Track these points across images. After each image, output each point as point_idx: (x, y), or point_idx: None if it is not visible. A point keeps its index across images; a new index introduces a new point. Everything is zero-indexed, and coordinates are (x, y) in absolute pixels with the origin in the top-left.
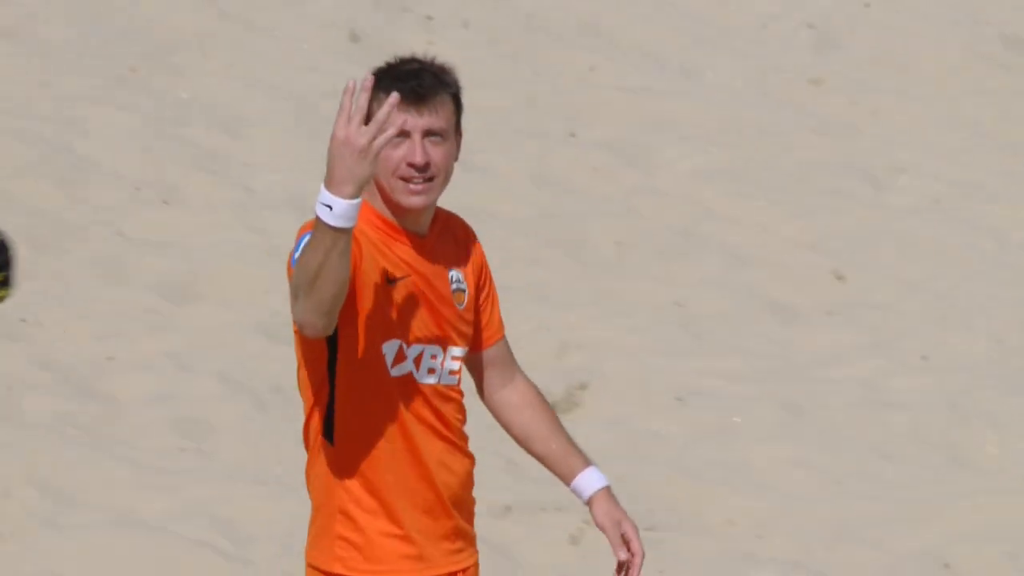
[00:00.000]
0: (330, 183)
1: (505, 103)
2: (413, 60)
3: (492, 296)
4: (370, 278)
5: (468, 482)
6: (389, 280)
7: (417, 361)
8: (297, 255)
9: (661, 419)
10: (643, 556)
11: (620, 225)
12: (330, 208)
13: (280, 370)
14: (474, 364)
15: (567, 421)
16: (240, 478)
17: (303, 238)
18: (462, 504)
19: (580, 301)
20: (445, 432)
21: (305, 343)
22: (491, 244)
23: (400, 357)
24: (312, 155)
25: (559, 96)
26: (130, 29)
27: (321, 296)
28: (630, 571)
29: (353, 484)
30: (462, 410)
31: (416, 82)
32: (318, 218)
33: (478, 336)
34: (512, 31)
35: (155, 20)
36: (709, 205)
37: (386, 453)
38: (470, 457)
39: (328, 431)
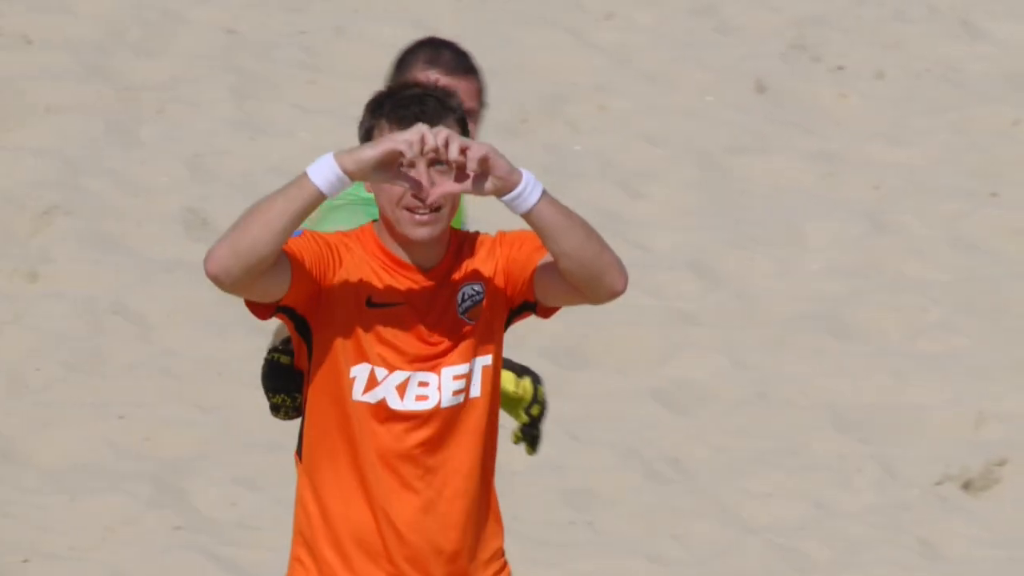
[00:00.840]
0: (344, 155)
1: (920, 160)
2: (415, 85)
3: (512, 245)
4: (348, 298)
5: (459, 534)
6: (370, 304)
7: (401, 389)
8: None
9: None
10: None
11: None
12: (323, 166)
13: (678, 441)
14: (550, 285)
15: (984, 499)
16: (630, 553)
17: None
18: (425, 555)
19: (999, 370)
20: (412, 470)
21: (299, 358)
22: (902, 308)
23: (372, 383)
24: (717, 214)
25: (979, 152)
26: (521, 77)
27: (245, 236)
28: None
29: (311, 506)
30: (489, 437)
31: (419, 108)
32: (305, 172)
33: (522, 280)
34: (930, 82)
35: (547, 68)
36: None
37: (336, 480)
38: (462, 499)
39: (299, 448)
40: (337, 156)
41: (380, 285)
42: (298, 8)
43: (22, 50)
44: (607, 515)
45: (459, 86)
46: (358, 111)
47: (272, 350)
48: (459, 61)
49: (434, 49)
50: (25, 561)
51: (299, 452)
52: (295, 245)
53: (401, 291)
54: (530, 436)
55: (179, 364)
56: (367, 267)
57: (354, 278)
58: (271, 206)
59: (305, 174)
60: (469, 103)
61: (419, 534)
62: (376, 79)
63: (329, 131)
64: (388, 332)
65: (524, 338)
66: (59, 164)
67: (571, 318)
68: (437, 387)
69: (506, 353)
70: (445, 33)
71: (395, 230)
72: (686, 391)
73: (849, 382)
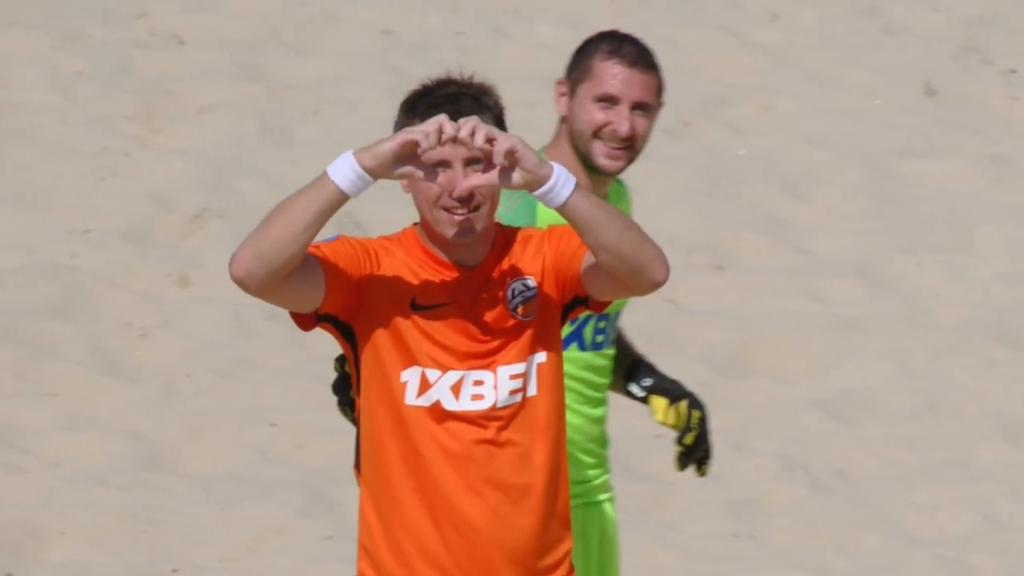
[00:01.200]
0: (363, 152)
1: None
2: (450, 82)
3: (560, 239)
4: (390, 302)
5: (525, 536)
6: (414, 306)
7: (455, 389)
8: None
9: None
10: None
11: None
12: (343, 165)
13: (843, 452)
14: (596, 279)
15: None
16: (794, 567)
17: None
18: (492, 560)
19: None
20: (473, 472)
21: (351, 368)
22: None
23: (425, 385)
24: (883, 218)
25: None
26: (682, 79)
27: (267, 237)
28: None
29: (372, 519)
30: (550, 434)
31: (454, 108)
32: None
33: (571, 274)
34: None
35: (708, 69)
36: None
37: (394, 490)
38: (527, 500)
39: (357, 461)
40: (356, 153)
41: (423, 287)
42: (456, 8)
43: (174, 50)
44: (770, 527)
45: (639, 80)
46: (517, 114)
47: (338, 358)
48: (640, 55)
49: (616, 41)
50: (175, 571)
51: (357, 465)
52: (328, 250)
53: (445, 291)
54: (688, 462)
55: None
56: (408, 269)
57: (395, 281)
58: (293, 206)
59: (325, 174)
60: (647, 98)
61: (485, 538)
62: (535, 80)
63: None
64: (436, 333)
65: (684, 346)
66: (210, 166)
67: (731, 324)
68: (493, 386)
69: (664, 361)
70: None
71: (434, 231)
72: (851, 400)
73: (1020, 391)
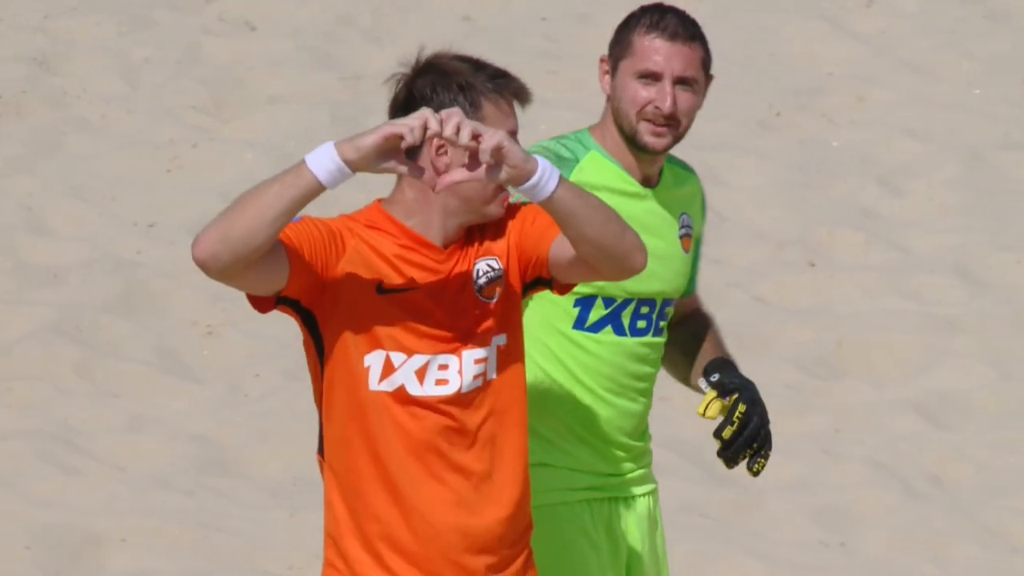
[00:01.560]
0: (344, 143)
1: None
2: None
3: (524, 219)
4: (355, 285)
5: (488, 523)
6: (381, 290)
7: (420, 374)
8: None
9: None
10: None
11: None
12: (322, 155)
13: (938, 457)
14: (567, 264)
15: None
16: None
17: None
18: (457, 546)
19: None
20: (437, 459)
21: (307, 352)
22: None
23: (389, 369)
24: (983, 214)
25: None
26: (774, 68)
27: (237, 222)
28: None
29: (338, 506)
30: (510, 417)
31: (518, 84)
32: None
33: (536, 257)
34: None
35: (802, 58)
36: None
37: (358, 477)
38: (492, 486)
39: (320, 447)
40: (337, 144)
41: (390, 269)
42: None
43: (244, 36)
44: (861, 536)
45: (681, 54)
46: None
47: None
48: (682, 27)
49: (657, 14)
50: None
51: (320, 451)
52: (293, 232)
53: (414, 273)
54: (731, 457)
55: None
56: (374, 251)
57: (361, 264)
58: (266, 192)
59: (303, 162)
60: (690, 72)
61: (449, 526)
62: None
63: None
64: (403, 316)
65: (772, 346)
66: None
67: (823, 323)
68: (458, 371)
69: (752, 361)
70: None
71: (445, 209)
72: (948, 403)
73: None
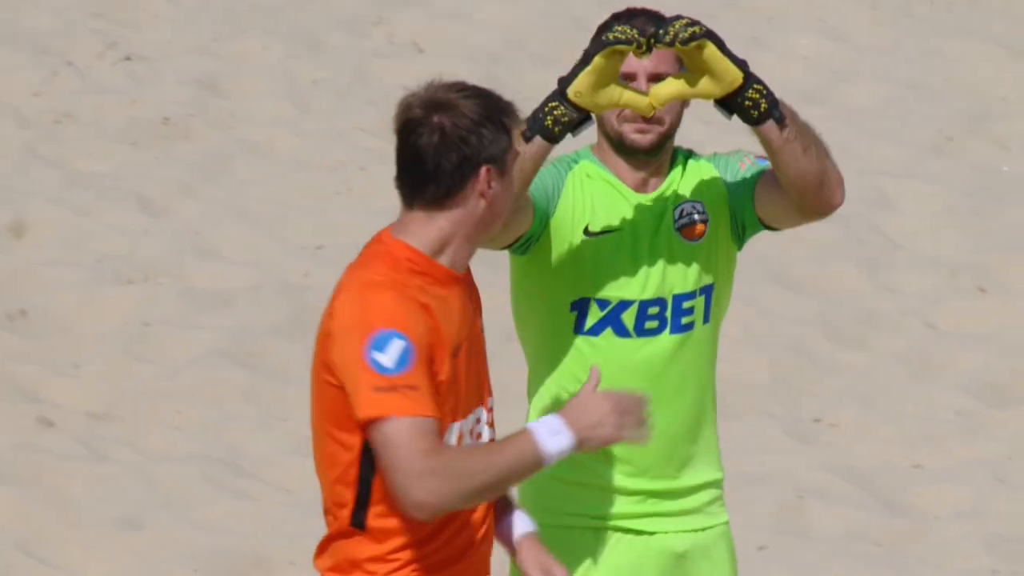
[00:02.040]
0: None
1: None
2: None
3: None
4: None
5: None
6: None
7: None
8: None
9: None
10: None
11: None
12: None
13: None
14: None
15: None
16: None
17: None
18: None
19: None
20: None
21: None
22: None
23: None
24: None
25: None
26: (945, 92)
27: (475, 491)
28: None
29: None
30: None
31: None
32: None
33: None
34: None
35: (974, 82)
36: None
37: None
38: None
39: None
40: (574, 433)
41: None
42: (710, 16)
43: (412, 59)
44: None
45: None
46: None
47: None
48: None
49: (627, 17)
50: None
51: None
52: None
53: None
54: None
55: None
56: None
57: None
58: (504, 475)
59: (540, 456)
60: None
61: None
62: (794, 94)
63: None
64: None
65: (943, 372)
66: None
67: (995, 350)
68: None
69: (923, 387)
70: (864, 44)
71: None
72: None
73: None
